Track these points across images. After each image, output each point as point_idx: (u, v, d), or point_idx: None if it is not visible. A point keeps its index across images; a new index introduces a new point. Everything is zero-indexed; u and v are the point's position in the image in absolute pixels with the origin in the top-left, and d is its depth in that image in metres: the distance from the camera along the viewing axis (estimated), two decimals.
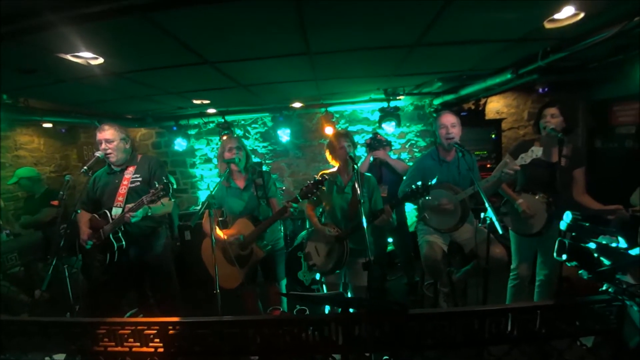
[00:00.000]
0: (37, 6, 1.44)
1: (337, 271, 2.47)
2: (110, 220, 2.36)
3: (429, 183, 2.18)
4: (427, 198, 2.23)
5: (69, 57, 2.01)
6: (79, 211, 2.46)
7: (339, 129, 4.99)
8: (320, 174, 2.64)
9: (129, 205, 2.26)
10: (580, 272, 1.38)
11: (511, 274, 2.64)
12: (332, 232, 2.44)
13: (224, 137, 2.63)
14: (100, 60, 2.12)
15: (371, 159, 3.61)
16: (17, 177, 3.70)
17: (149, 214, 2.33)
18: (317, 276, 2.69)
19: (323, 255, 2.51)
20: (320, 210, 2.81)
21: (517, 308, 1.17)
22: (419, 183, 2.17)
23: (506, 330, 1.15)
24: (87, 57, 2.05)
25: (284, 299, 2.74)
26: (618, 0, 1.71)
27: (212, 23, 1.73)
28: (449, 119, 2.48)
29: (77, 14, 1.46)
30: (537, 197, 2.35)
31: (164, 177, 2.30)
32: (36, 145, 4.93)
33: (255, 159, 5.43)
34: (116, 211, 2.39)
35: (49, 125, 4.64)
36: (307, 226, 4.11)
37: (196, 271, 3.40)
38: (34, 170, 3.81)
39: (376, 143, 3.59)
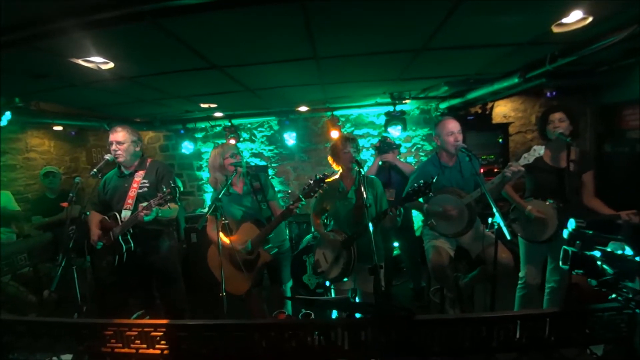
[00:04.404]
0: (50, 13, 1.47)
1: (345, 279, 2.42)
2: (120, 223, 2.39)
3: (432, 181, 2.14)
4: (430, 195, 2.18)
5: (80, 61, 2.05)
6: (88, 213, 2.50)
7: (344, 133, 4.99)
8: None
9: (142, 205, 2.29)
10: (589, 279, 1.36)
11: (519, 282, 2.60)
12: (337, 237, 2.42)
13: (225, 144, 2.64)
14: (111, 64, 2.15)
15: (380, 162, 3.59)
16: (45, 170, 3.93)
17: (159, 214, 2.36)
18: (327, 283, 2.65)
19: (331, 262, 2.46)
20: (325, 216, 2.79)
21: (525, 315, 1.15)
22: (421, 182, 2.13)
23: (514, 338, 1.14)
24: (98, 62, 2.09)
25: (289, 302, 2.73)
26: (627, 4, 1.70)
27: (220, 29, 1.75)
28: (456, 125, 2.47)
29: (89, 20, 1.49)
30: (547, 203, 2.32)
31: (171, 182, 2.32)
32: (46, 147, 5.02)
33: (261, 163, 5.46)
34: (125, 214, 2.41)
35: (59, 128, 4.73)
36: (313, 230, 4.11)
37: (202, 273, 3.41)
38: (56, 168, 4.10)
39: (385, 146, 3.56)
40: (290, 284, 2.78)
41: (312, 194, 2.25)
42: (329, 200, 2.51)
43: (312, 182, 2.24)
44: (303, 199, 2.27)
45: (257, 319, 2.19)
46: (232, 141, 4.67)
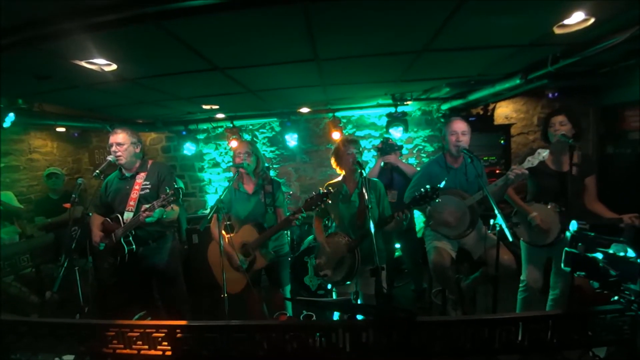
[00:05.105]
0: (54, 15, 1.48)
1: (348, 282, 2.41)
2: (122, 224, 2.40)
3: (438, 185, 2.14)
4: (437, 201, 2.18)
5: (83, 63, 2.06)
6: (90, 214, 2.51)
7: (346, 135, 5.00)
8: (325, 185, 2.63)
9: (145, 206, 2.30)
10: (591, 281, 1.35)
11: (521, 284, 2.59)
12: (340, 240, 2.41)
13: (236, 142, 2.66)
14: (114, 66, 2.16)
15: (382, 163, 3.59)
16: (48, 171, 3.92)
17: (164, 216, 2.37)
18: (329, 286, 2.64)
19: (334, 266, 2.44)
20: (328, 219, 2.78)
21: (528, 317, 1.15)
22: (428, 187, 2.12)
23: (517, 340, 1.13)
24: (101, 64, 2.10)
25: (289, 304, 2.73)
26: (629, 5, 1.70)
27: (222, 30, 1.76)
28: (460, 126, 2.46)
29: (92, 22, 1.50)
30: (549, 207, 2.31)
31: (174, 183, 2.33)
32: (49, 148, 5.04)
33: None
34: (128, 215, 2.42)
35: (62, 129, 4.75)
36: (314, 232, 4.10)
37: (203, 275, 3.42)
38: (59, 169, 4.07)
39: (387, 147, 3.56)
40: (289, 287, 2.77)
41: (314, 207, 2.25)
42: (333, 203, 2.50)
43: (315, 194, 2.23)
44: (304, 211, 2.27)
45: (259, 320, 2.19)
46: (235, 141, 4.69)
